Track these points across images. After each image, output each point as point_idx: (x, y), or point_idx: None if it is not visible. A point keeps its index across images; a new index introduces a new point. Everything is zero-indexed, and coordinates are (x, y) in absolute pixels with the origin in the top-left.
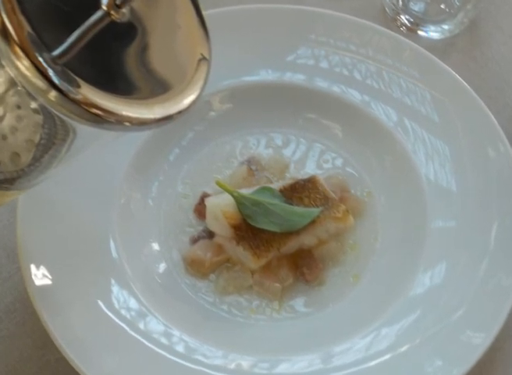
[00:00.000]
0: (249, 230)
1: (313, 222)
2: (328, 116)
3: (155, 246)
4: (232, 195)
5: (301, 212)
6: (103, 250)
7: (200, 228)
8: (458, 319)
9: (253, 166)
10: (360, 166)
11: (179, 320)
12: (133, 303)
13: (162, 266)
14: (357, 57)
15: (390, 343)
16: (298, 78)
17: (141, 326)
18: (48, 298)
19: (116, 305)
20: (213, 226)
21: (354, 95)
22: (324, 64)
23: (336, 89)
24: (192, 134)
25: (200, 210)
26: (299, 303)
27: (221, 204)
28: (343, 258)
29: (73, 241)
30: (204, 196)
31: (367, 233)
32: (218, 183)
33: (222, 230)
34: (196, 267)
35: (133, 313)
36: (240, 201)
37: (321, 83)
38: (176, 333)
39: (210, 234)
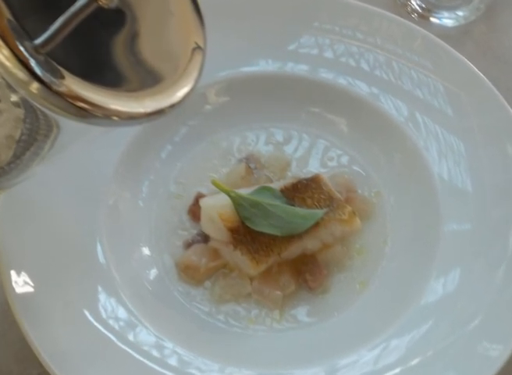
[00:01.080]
0: (247, 233)
1: (316, 224)
2: (333, 109)
3: (146, 250)
4: (229, 196)
5: (304, 214)
6: (89, 255)
7: (195, 231)
8: (473, 330)
9: (251, 164)
10: (368, 163)
11: (171, 331)
12: (121, 313)
13: (153, 272)
14: (365, 46)
15: (400, 356)
16: (301, 69)
17: (131, 337)
18: (30, 306)
19: (103, 315)
20: (208, 229)
21: (361, 87)
22: (329, 54)
23: (341, 81)
24: (185, 130)
25: (194, 212)
26: (301, 312)
27: (217, 205)
28: (349, 264)
29: (57, 245)
30: (198, 197)
31: (375, 237)
32: (213, 183)
33: (218, 233)
34: (190, 273)
35: (121, 323)
36: (237, 202)
37: (326, 75)
38: (169, 345)
39: (205, 238)
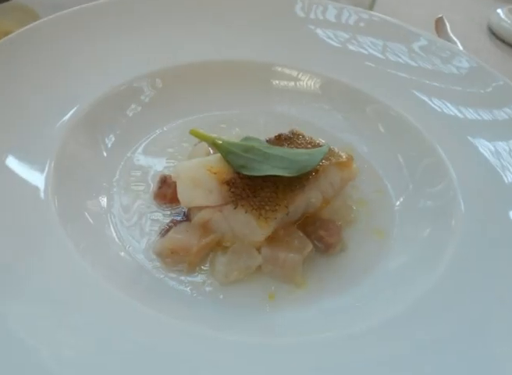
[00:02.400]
0: (246, 187)
1: (316, 171)
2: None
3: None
4: (216, 144)
5: (308, 152)
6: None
7: (167, 219)
8: None
9: None
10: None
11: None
12: None
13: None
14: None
15: None
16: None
17: None
18: None
19: None
20: (192, 198)
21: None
22: None
23: None
24: (126, 121)
25: (162, 194)
26: (330, 277)
27: (198, 164)
28: (354, 217)
29: None
30: (163, 177)
31: (369, 187)
32: (192, 132)
33: (207, 197)
34: (179, 258)
35: None
36: (227, 150)
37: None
38: None
39: (186, 217)
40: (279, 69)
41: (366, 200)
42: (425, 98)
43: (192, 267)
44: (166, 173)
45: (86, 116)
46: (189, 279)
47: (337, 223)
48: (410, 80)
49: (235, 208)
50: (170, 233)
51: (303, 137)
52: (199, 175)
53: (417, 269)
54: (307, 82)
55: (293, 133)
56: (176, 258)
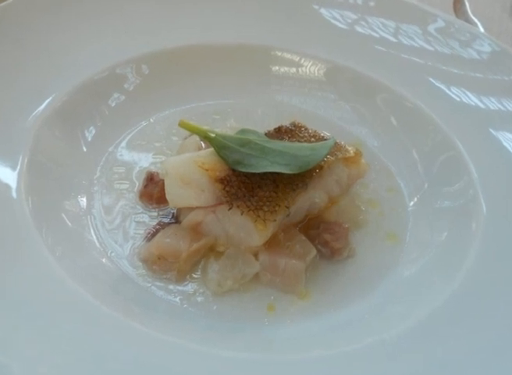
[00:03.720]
0: (242, 186)
1: (320, 168)
2: None
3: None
4: (208, 138)
5: (311, 146)
6: None
7: (154, 214)
8: None
9: None
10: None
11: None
12: None
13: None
14: None
15: None
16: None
17: None
18: None
19: None
20: (182, 198)
21: None
22: None
23: None
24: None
25: (149, 193)
26: (336, 286)
27: (189, 160)
28: (364, 218)
29: None
30: (150, 175)
31: (379, 185)
32: (181, 124)
33: (198, 197)
34: (167, 264)
35: None
36: (220, 144)
37: None
38: None
39: (175, 219)
40: (279, 53)
41: (376, 200)
42: (443, 87)
43: (182, 275)
44: (153, 169)
45: (62, 107)
46: (178, 288)
47: (344, 226)
48: (426, 66)
49: (229, 210)
50: (157, 237)
51: (305, 129)
52: (189, 172)
53: (434, 278)
54: (311, 68)
55: (294, 126)
56: (163, 265)
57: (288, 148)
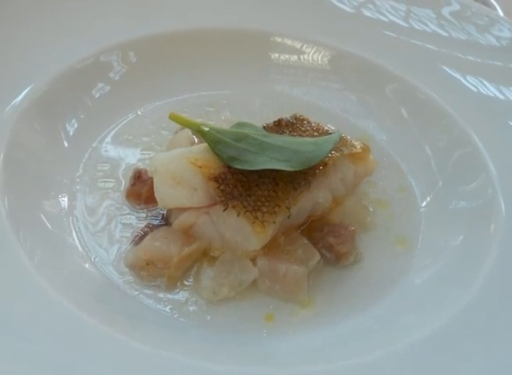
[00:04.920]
0: (238, 184)
1: (324, 165)
2: None
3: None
4: (202, 132)
5: (314, 141)
6: None
7: (142, 223)
8: None
9: None
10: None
11: None
12: None
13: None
14: None
15: None
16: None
17: None
18: None
19: None
20: (173, 198)
21: None
22: None
23: None
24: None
25: (136, 192)
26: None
27: (181, 156)
28: (372, 220)
29: None
30: (138, 172)
31: (389, 184)
32: (173, 117)
33: (191, 197)
34: (156, 270)
35: None
36: (216, 139)
37: None
38: None
39: (164, 221)
40: (279, 39)
41: (386, 200)
42: (458, 76)
43: (172, 282)
44: (141, 166)
45: (42, 98)
46: (168, 296)
47: (350, 228)
48: (440, 53)
49: (225, 210)
50: (145, 241)
51: (308, 122)
52: (181, 169)
53: (448, 287)
54: (314, 55)
55: (295, 119)
56: (152, 271)
57: (289, 142)
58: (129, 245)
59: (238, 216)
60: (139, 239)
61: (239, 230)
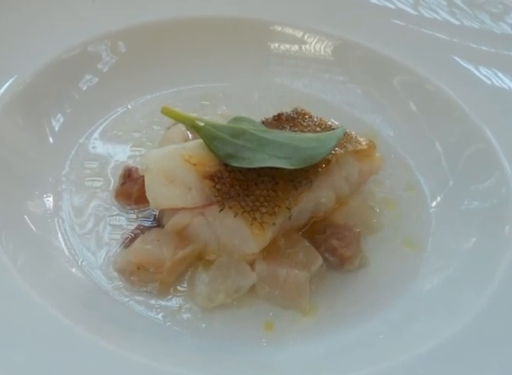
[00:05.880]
0: (235, 183)
1: (327, 163)
2: None
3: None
4: (197, 128)
5: (317, 137)
6: None
7: (133, 225)
8: None
9: None
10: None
11: None
12: None
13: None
14: None
15: None
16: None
17: None
18: None
19: None
20: (165, 197)
21: None
22: None
23: None
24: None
25: (126, 192)
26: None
27: (174, 152)
28: (378, 221)
29: None
30: (129, 170)
31: (396, 182)
32: (165, 111)
33: (184, 196)
34: (148, 275)
35: None
36: (210, 134)
37: None
38: None
39: (156, 223)
40: (279, 28)
41: (393, 200)
42: (471, 67)
43: (165, 288)
44: (131, 164)
45: (25, 91)
46: (161, 303)
47: (355, 230)
48: (451, 43)
49: (221, 211)
50: (136, 244)
51: (310, 117)
52: (174, 167)
53: (460, 293)
54: (316, 45)
55: (296, 113)
56: (143, 276)
57: (289, 138)
58: (119, 248)
59: (235, 216)
60: (129, 241)
61: (236, 232)
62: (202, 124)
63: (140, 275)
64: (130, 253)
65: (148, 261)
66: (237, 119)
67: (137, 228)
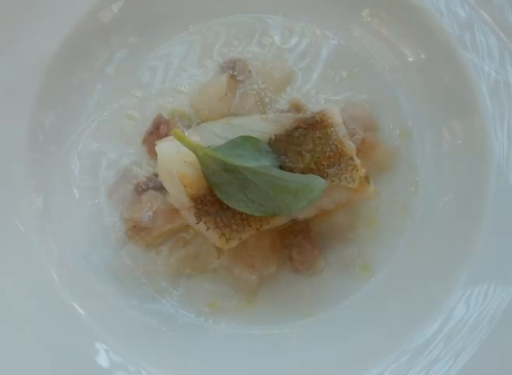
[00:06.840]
0: (216, 201)
1: None
2: None
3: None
4: (197, 155)
5: (296, 189)
6: None
7: (150, 168)
8: None
9: (239, 76)
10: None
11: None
12: None
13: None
14: None
15: None
16: None
17: None
18: None
19: None
20: (165, 181)
21: None
22: None
23: None
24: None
25: (150, 143)
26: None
27: (178, 157)
28: (352, 237)
29: None
30: (158, 121)
31: (392, 202)
32: (175, 134)
33: (177, 193)
34: (139, 234)
35: None
36: (206, 163)
37: None
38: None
39: (162, 186)
40: None
41: (378, 220)
42: None
43: (150, 247)
44: (164, 116)
45: (14, 85)
46: (155, 307)
47: (315, 252)
48: None
49: (196, 224)
50: (139, 204)
51: (326, 136)
52: (172, 171)
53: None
54: None
55: (317, 121)
56: (136, 232)
57: (270, 185)
58: (131, 194)
59: (207, 230)
60: (140, 191)
61: (209, 235)
62: (201, 153)
63: (135, 232)
64: (132, 212)
65: (140, 226)
66: (244, 139)
67: (150, 180)
